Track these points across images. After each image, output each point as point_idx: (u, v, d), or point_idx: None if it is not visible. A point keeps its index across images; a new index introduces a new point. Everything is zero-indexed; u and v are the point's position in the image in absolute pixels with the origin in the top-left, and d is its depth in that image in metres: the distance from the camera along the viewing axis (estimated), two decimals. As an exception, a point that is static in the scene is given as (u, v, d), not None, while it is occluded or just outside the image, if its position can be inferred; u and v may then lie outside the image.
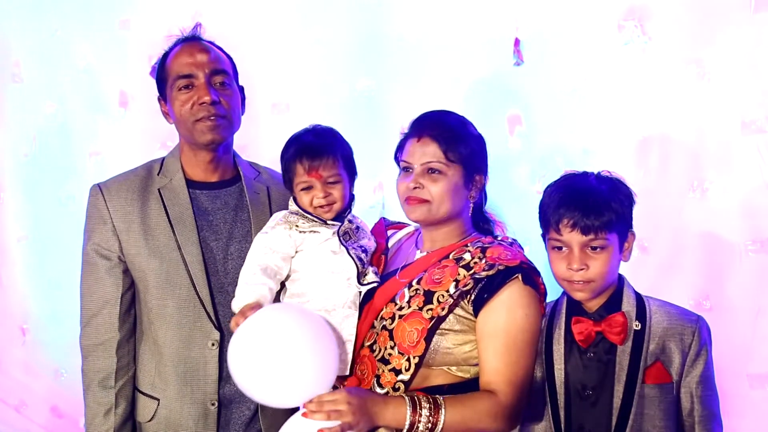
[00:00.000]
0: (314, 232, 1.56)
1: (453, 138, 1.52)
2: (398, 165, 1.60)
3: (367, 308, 1.57)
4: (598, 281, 1.47)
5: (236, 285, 1.61)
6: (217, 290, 1.64)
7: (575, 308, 1.53)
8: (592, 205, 1.44)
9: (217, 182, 1.70)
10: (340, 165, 1.57)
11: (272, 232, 1.55)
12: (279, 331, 1.38)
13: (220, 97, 1.60)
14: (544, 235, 1.54)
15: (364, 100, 2.34)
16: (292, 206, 1.60)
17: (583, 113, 2.16)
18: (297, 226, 1.55)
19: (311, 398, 1.38)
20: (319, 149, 1.56)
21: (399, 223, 1.76)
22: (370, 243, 1.63)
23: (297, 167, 1.57)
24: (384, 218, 1.80)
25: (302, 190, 1.58)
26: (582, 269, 1.45)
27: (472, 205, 1.59)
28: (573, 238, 1.45)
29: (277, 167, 1.98)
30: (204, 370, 1.62)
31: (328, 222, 1.57)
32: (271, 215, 1.68)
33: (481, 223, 1.64)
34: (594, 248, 1.46)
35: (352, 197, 1.63)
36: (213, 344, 1.62)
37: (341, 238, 1.57)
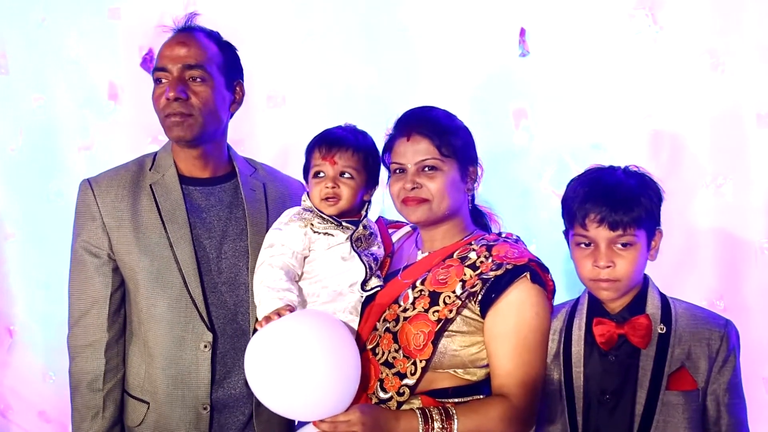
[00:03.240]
0: (328, 234, 1.56)
1: (444, 132, 1.52)
2: (387, 168, 1.59)
3: (368, 310, 1.57)
4: (625, 280, 1.45)
5: (230, 285, 1.64)
6: (210, 290, 1.64)
7: (597, 309, 1.51)
8: (621, 199, 1.42)
9: (210, 178, 1.70)
10: (359, 162, 1.57)
11: (286, 229, 1.55)
12: (308, 348, 1.37)
13: (190, 93, 1.58)
14: (567, 232, 1.52)
15: (363, 93, 2.33)
16: (306, 202, 1.60)
17: (592, 106, 2.15)
18: (312, 224, 1.55)
19: (324, 418, 1.39)
20: (342, 138, 1.57)
21: (397, 222, 1.76)
22: (379, 251, 1.64)
23: (315, 153, 1.58)
24: (382, 217, 1.80)
25: (314, 177, 1.58)
26: (609, 267, 1.44)
27: (470, 198, 1.60)
28: (600, 234, 1.44)
29: (274, 163, 1.96)
30: (196, 373, 1.62)
31: (343, 224, 1.57)
32: (267, 213, 1.69)
33: (477, 217, 1.65)
34: (622, 245, 1.44)
35: (364, 203, 1.63)
36: (205, 346, 1.62)
37: (353, 244, 1.57)
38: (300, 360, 1.36)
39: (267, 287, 1.48)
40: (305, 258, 1.56)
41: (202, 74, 1.59)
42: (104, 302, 1.63)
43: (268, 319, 1.43)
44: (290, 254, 1.53)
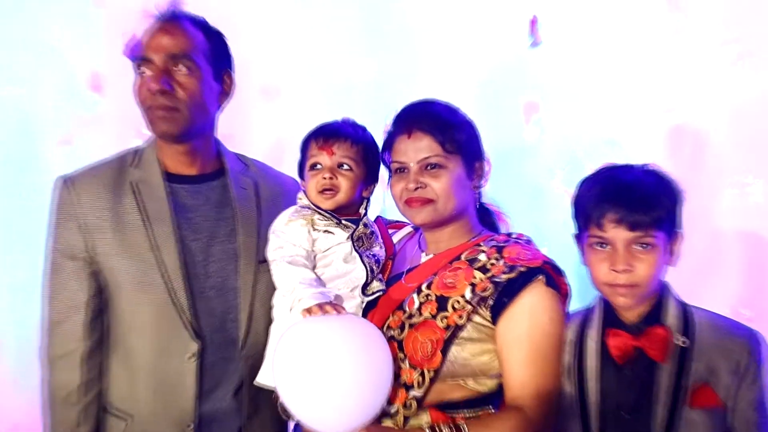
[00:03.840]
0: (328, 232, 1.55)
1: (447, 127, 1.52)
2: (387, 167, 1.59)
3: (370, 316, 1.55)
4: (644, 285, 1.43)
5: (218, 290, 1.62)
6: (197, 296, 1.61)
7: (611, 319, 1.49)
8: (640, 198, 1.41)
9: (198, 176, 1.67)
10: (358, 153, 1.57)
11: (289, 229, 1.54)
12: (355, 363, 1.36)
13: (175, 85, 1.55)
14: (579, 234, 1.50)
15: (364, 85, 2.31)
16: (302, 200, 1.60)
17: (608, 100, 2.13)
18: (313, 221, 1.55)
19: None
20: (340, 129, 1.58)
21: (398, 222, 1.76)
22: (381, 252, 1.63)
23: (311, 144, 1.58)
24: (381, 217, 1.80)
25: (311, 170, 1.58)
26: (627, 270, 1.41)
27: (477, 195, 1.60)
28: (618, 234, 1.41)
29: (268, 160, 1.92)
30: (181, 386, 1.58)
31: (343, 222, 1.56)
32: (259, 213, 1.67)
33: (483, 216, 1.64)
34: (642, 246, 1.42)
35: (363, 200, 1.63)
36: (191, 357, 1.58)
37: (355, 244, 1.56)
38: (344, 372, 1.34)
39: (300, 283, 1.46)
40: (315, 257, 1.55)
41: (189, 64, 1.56)
42: (82, 309, 1.58)
43: (309, 311, 1.40)
44: (304, 254, 1.52)
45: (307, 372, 1.34)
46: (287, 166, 1.88)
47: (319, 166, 1.57)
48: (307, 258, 1.53)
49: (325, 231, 1.55)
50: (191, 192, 1.66)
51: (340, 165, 1.57)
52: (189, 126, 1.58)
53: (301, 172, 1.64)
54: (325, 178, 1.55)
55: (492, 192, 1.69)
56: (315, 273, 1.52)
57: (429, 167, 1.52)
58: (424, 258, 1.61)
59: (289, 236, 1.54)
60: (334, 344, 1.35)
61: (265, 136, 2.40)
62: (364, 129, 1.63)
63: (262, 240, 1.62)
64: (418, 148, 1.52)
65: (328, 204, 1.56)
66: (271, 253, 1.56)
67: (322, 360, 1.34)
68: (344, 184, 1.57)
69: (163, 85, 1.54)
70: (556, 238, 2.05)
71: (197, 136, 1.63)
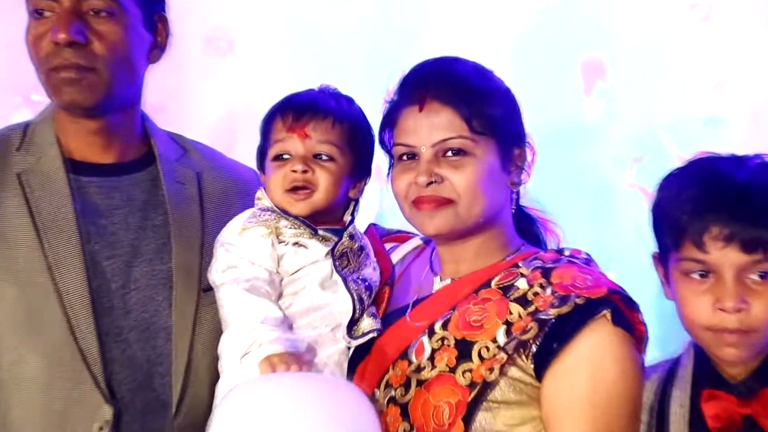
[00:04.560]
0: (299, 245, 1.56)
1: (475, 96, 1.52)
2: (389, 153, 1.62)
3: (361, 369, 1.56)
4: (763, 331, 1.40)
5: (142, 330, 1.60)
6: (112, 339, 1.59)
7: (708, 375, 1.48)
8: (759, 207, 1.38)
9: (115, 165, 1.67)
10: (343, 137, 1.58)
11: (243, 241, 1.56)
12: None
13: (91, 35, 1.55)
14: (664, 255, 1.49)
15: (352, 34, 2.29)
16: (263, 200, 1.62)
17: (706, 59, 2.11)
18: (278, 230, 1.55)
19: None
20: (317, 102, 1.59)
21: (398, 232, 1.78)
22: (374, 274, 1.64)
23: (276, 123, 1.60)
24: (375, 225, 1.81)
25: (275, 160, 1.59)
26: (740, 309, 1.38)
27: (515, 196, 1.61)
28: (727, 258, 1.39)
29: (216, 141, 1.92)
30: (87, 471, 1.55)
31: (321, 233, 1.56)
32: (203, 219, 1.68)
33: (522, 224, 1.66)
34: (761, 276, 1.39)
35: (349, 203, 1.65)
36: (101, 428, 1.55)
37: (337, 263, 1.55)
38: None
39: (262, 322, 1.47)
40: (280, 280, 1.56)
41: (109, 5, 1.56)
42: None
43: (271, 365, 1.41)
44: (266, 277, 1.52)
45: None
46: (243, 150, 1.87)
47: (287, 156, 1.58)
48: (269, 283, 1.53)
49: (296, 244, 1.55)
50: (105, 188, 1.65)
51: (318, 154, 1.57)
52: (109, 93, 1.59)
53: (262, 161, 1.65)
54: (295, 172, 1.55)
55: (536, 191, 1.68)
56: (280, 307, 1.53)
57: (449, 153, 1.51)
58: (438, 284, 1.60)
59: (245, 251, 1.54)
60: (296, 419, 1.32)
61: (211, 107, 2.40)
62: (350, 101, 1.64)
63: (206, 258, 1.63)
64: (433, 126, 1.51)
65: (299, 208, 1.57)
66: (218, 274, 1.56)
67: None
68: (323, 180, 1.57)
69: (74, 35, 1.53)
70: (628, 256, 2.06)
71: (118, 109, 1.64)
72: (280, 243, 1.55)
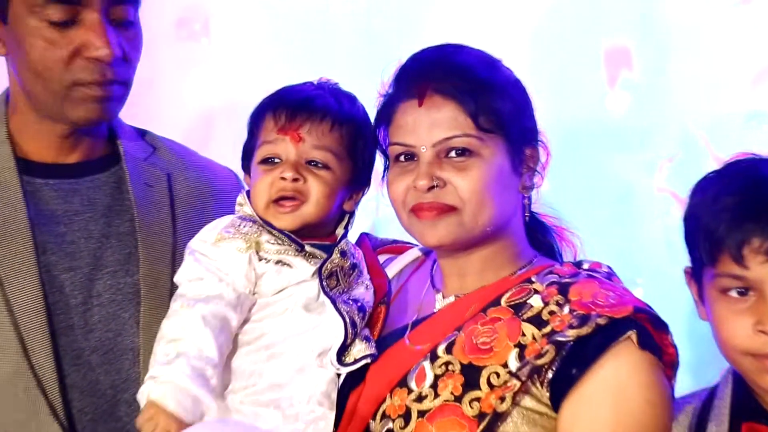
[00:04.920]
0: (282, 264, 1.56)
1: (483, 89, 1.54)
2: (383, 152, 1.63)
3: (354, 399, 1.57)
4: None
5: (106, 353, 1.62)
6: (71, 361, 1.61)
7: (749, 407, 1.48)
8: None
9: (75, 164, 1.70)
10: (342, 142, 1.59)
11: (217, 252, 1.56)
12: None
13: (123, 49, 1.61)
14: (697, 270, 1.49)
15: (344, 18, 2.30)
16: (245, 206, 1.62)
17: (747, 46, 2.12)
18: (258, 245, 1.56)
19: None
20: (314, 100, 1.59)
21: (394, 242, 1.80)
22: (367, 294, 1.65)
23: (266, 122, 1.60)
24: (368, 236, 1.82)
25: (263, 163, 1.59)
26: None
27: (527, 202, 1.62)
28: None
29: (189, 138, 1.95)
30: None
31: (307, 248, 1.57)
32: (174, 226, 1.71)
33: (535, 233, 1.68)
34: None
35: (344, 216, 1.65)
36: None
37: (325, 283, 1.56)
38: None
39: (180, 353, 1.47)
40: (251, 301, 1.56)
41: (134, 11, 1.64)
42: None
43: (150, 417, 1.42)
44: (233, 299, 1.53)
45: None
46: (218, 149, 1.93)
47: (276, 160, 1.59)
48: (234, 307, 1.54)
49: (279, 262, 1.56)
50: (64, 191, 1.68)
51: (312, 161, 1.58)
52: (123, 101, 1.65)
53: (247, 161, 1.65)
54: (284, 179, 1.56)
55: (551, 195, 1.70)
56: (230, 332, 1.53)
57: (452, 154, 1.53)
58: (440, 302, 1.63)
59: (217, 264, 1.55)
60: None
61: (183, 99, 2.41)
62: (352, 100, 1.65)
63: (178, 270, 1.62)
64: (434, 123, 1.53)
65: (285, 221, 1.58)
66: (185, 284, 1.56)
67: None
68: (315, 190, 1.58)
69: (117, 51, 1.59)
70: (656, 271, 2.07)
71: None
72: (260, 260, 1.56)
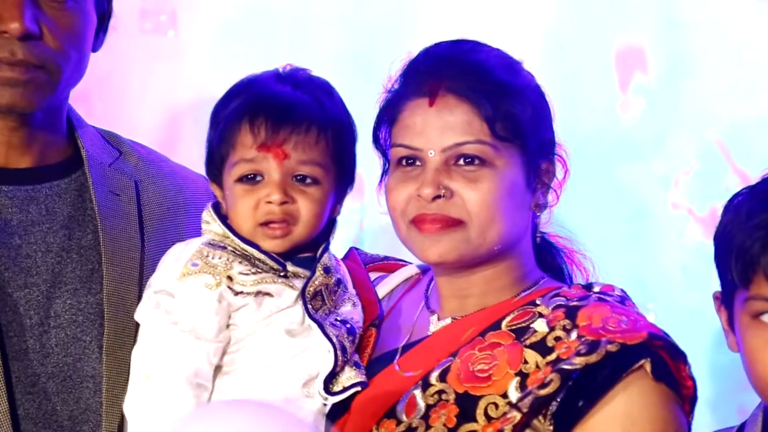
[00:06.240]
0: (262, 294, 1.56)
1: (501, 92, 1.55)
2: (384, 154, 1.65)
3: (340, 428, 1.58)
4: None
5: (64, 379, 1.61)
6: (25, 389, 1.61)
7: None
8: None
9: (31, 170, 1.70)
10: (327, 150, 1.59)
11: (184, 290, 1.56)
12: None
13: (42, 26, 1.59)
14: (727, 293, 1.48)
15: (326, 7, 2.29)
16: (212, 224, 1.63)
17: None
18: (230, 279, 1.55)
19: None
20: (294, 108, 1.58)
21: (386, 259, 1.82)
22: (354, 312, 1.66)
23: (242, 133, 1.58)
24: (357, 250, 1.84)
25: (242, 181, 1.58)
26: None
27: (538, 221, 1.63)
28: None
29: (157, 140, 1.97)
30: None
31: (289, 269, 1.58)
32: (142, 239, 1.71)
33: (545, 255, 1.69)
34: None
35: (329, 224, 1.66)
36: None
37: (309, 306, 1.56)
38: None
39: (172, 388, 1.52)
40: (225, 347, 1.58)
41: None
42: None
43: None
44: (201, 355, 1.54)
45: None
46: (187, 152, 1.92)
47: (258, 177, 1.58)
48: (206, 359, 1.55)
49: (258, 294, 1.56)
50: (19, 199, 1.68)
51: (300, 176, 1.58)
52: (55, 94, 1.63)
53: (213, 169, 1.65)
54: (271, 202, 1.56)
55: (559, 212, 1.70)
56: (204, 388, 1.55)
57: (462, 162, 1.55)
58: (435, 325, 1.64)
59: (183, 304, 1.55)
60: None
61: (149, 98, 2.40)
62: (329, 92, 1.65)
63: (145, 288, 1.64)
64: (445, 126, 1.54)
65: (274, 245, 1.59)
66: (156, 317, 1.57)
67: None
68: (305, 210, 1.58)
69: (30, 26, 1.56)
70: (672, 295, 2.08)
71: (50, 106, 1.67)
72: (236, 295, 1.55)
